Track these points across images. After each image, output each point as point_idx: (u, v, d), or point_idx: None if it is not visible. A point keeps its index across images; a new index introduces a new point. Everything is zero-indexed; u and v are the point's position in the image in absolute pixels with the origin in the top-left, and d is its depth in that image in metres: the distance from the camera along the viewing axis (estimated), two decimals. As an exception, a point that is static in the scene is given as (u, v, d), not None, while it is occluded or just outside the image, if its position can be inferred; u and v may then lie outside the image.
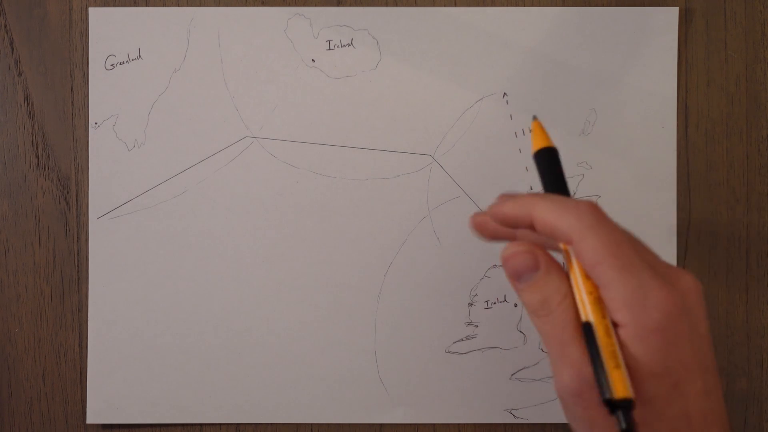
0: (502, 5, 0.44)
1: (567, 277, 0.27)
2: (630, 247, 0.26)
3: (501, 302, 0.45)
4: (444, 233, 0.45)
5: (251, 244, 0.45)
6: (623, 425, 0.24)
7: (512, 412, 0.45)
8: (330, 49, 0.44)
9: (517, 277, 0.28)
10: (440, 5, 0.45)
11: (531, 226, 0.28)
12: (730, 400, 0.45)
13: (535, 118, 0.31)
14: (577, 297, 0.27)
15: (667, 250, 0.44)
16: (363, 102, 0.44)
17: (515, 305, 0.45)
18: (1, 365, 0.46)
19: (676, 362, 0.25)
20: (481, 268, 0.45)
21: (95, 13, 0.45)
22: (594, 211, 0.26)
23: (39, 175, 0.45)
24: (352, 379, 0.45)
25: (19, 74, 0.45)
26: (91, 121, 0.45)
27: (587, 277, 0.26)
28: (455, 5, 0.45)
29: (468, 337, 0.45)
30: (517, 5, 0.44)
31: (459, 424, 0.45)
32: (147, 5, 0.45)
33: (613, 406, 0.24)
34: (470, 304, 0.45)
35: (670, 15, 0.44)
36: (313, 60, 0.44)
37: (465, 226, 0.44)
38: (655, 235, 0.44)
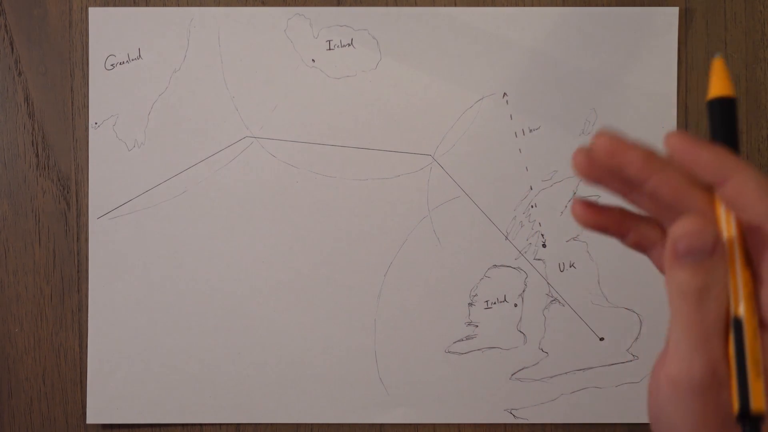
0: (502, 5, 0.44)
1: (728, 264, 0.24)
2: None
3: (501, 302, 0.45)
4: (444, 233, 0.45)
5: (251, 244, 0.45)
6: None
7: (512, 412, 0.45)
8: (330, 49, 0.44)
9: (686, 253, 0.24)
10: (440, 5, 0.45)
11: (692, 191, 0.25)
12: None
13: (719, 56, 0.27)
14: (731, 287, 0.24)
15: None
16: (363, 102, 0.44)
17: (515, 305, 0.45)
18: (1, 365, 0.46)
19: None
20: (481, 268, 0.45)
21: (95, 13, 0.45)
22: None
23: (39, 175, 0.45)
24: (352, 379, 0.45)
25: (19, 74, 0.45)
26: (91, 121, 0.45)
27: (746, 266, 0.24)
28: (455, 5, 0.45)
29: (468, 337, 0.45)
30: (517, 5, 0.44)
31: (459, 424, 0.45)
32: (147, 5, 0.45)
33: (744, 416, 0.22)
34: (470, 304, 0.45)
35: (670, 15, 0.44)
36: (313, 60, 0.44)
37: (465, 226, 0.44)
38: (655, 235, 0.44)
